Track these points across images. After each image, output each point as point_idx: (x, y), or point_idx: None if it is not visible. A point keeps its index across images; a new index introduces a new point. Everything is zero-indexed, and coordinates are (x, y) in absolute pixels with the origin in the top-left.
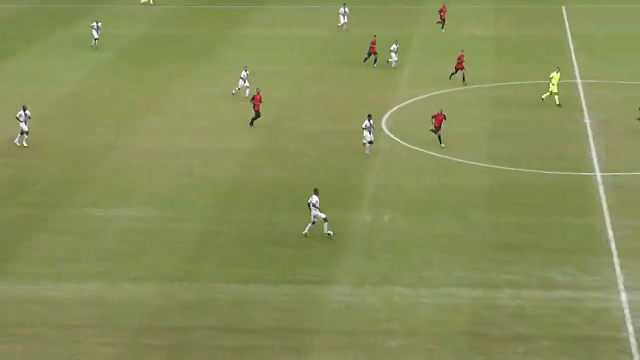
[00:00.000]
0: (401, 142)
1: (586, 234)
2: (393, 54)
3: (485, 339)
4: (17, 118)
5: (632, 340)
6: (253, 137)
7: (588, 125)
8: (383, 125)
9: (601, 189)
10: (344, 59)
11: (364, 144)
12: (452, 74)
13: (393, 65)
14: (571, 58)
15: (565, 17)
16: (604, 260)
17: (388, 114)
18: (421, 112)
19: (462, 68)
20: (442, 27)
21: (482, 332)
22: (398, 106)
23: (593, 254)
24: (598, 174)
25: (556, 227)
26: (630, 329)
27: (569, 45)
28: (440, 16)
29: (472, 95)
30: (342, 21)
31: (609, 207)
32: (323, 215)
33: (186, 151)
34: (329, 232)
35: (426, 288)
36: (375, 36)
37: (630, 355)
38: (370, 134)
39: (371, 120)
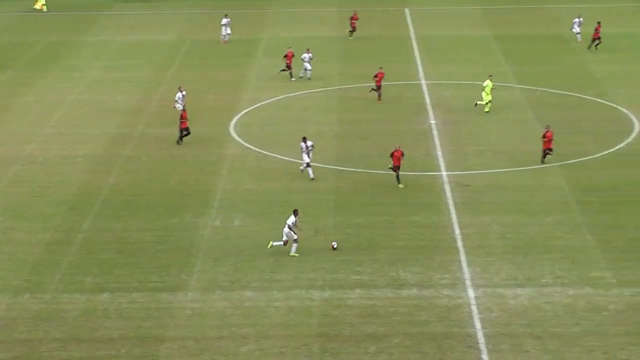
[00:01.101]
0: (249, 145)
1: (434, 232)
2: (307, 64)
3: (337, 339)
4: None
5: (480, 335)
6: (97, 145)
7: (433, 126)
8: (231, 130)
9: (447, 187)
10: (191, 64)
11: (302, 169)
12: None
13: (308, 76)
14: (415, 59)
15: (409, 19)
16: (451, 258)
17: (236, 118)
18: (269, 116)
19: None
20: (351, 34)
21: (333, 333)
22: (246, 110)
23: (441, 252)
24: (444, 173)
25: (404, 226)
26: (478, 324)
27: (413, 47)
28: (351, 24)
29: (320, 97)
30: (224, 32)
31: (455, 206)
32: (295, 237)
33: (30, 160)
34: (295, 254)
35: (277, 291)
36: (290, 48)
37: (479, 350)
38: (308, 156)
39: (307, 142)
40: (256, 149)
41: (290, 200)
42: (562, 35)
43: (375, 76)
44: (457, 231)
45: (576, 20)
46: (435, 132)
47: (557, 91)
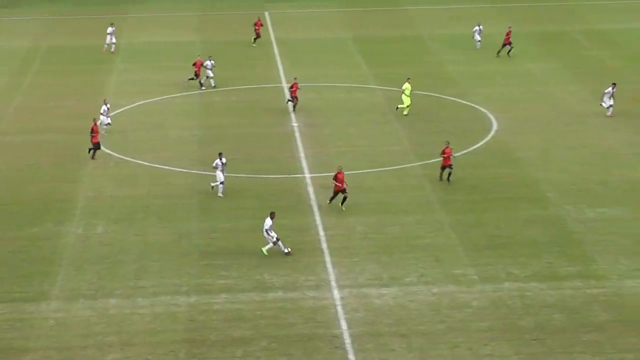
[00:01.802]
0: (110, 151)
1: (299, 234)
2: (209, 72)
3: (204, 344)
4: None
5: (346, 336)
6: None
7: (295, 128)
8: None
9: (311, 189)
10: (49, 70)
11: (213, 187)
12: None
13: (213, 85)
14: (276, 63)
15: (269, 22)
16: (317, 260)
17: (93, 124)
18: (129, 122)
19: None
20: (254, 41)
21: (199, 339)
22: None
23: (306, 254)
24: (307, 175)
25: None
26: (344, 325)
27: (273, 50)
28: (255, 30)
29: (181, 102)
30: (108, 41)
31: (319, 207)
32: (272, 240)
33: None
34: (266, 252)
35: (142, 298)
36: (199, 56)
37: (345, 350)
38: (223, 173)
39: (223, 159)
40: (117, 155)
41: (152, 206)
42: (420, 37)
43: (291, 87)
44: (322, 233)
45: (476, 28)
46: (297, 135)
47: (416, 92)
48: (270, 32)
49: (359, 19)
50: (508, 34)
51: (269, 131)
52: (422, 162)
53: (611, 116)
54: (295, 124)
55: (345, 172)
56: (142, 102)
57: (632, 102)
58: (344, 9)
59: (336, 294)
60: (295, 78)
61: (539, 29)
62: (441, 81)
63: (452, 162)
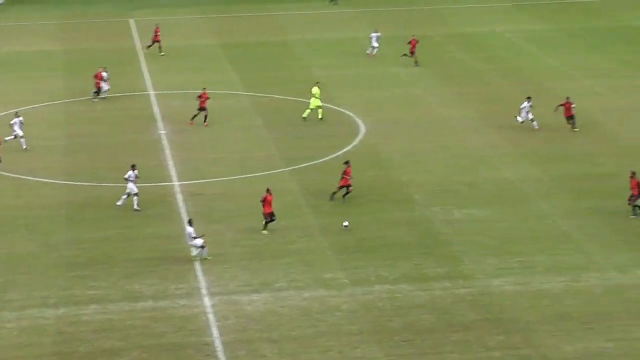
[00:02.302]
0: None
1: (169, 243)
2: (104, 85)
3: (73, 357)
4: None
5: (218, 343)
6: None
7: (163, 136)
8: None
9: (180, 198)
10: None
11: (126, 197)
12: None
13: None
14: (142, 70)
15: (134, 30)
16: (187, 268)
17: None
18: None
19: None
20: (160, 51)
21: (69, 351)
22: None
23: (177, 263)
24: (176, 183)
25: (139, 239)
26: (216, 333)
27: (139, 57)
28: (155, 37)
29: (45, 112)
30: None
31: (189, 216)
32: (200, 243)
33: None
34: (209, 257)
35: (9, 312)
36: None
37: (217, 358)
38: (135, 185)
39: (136, 171)
40: None
41: (19, 218)
42: (286, 42)
43: (200, 97)
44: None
45: (374, 35)
46: (165, 143)
47: (284, 97)
48: (136, 39)
49: (226, 25)
50: (412, 42)
51: (136, 139)
52: (291, 168)
53: (538, 129)
54: (163, 132)
55: (214, 179)
56: (3, 113)
57: (494, 104)
58: (211, 15)
59: (207, 301)
60: (204, 88)
61: (403, 33)
62: (308, 86)
63: (351, 183)
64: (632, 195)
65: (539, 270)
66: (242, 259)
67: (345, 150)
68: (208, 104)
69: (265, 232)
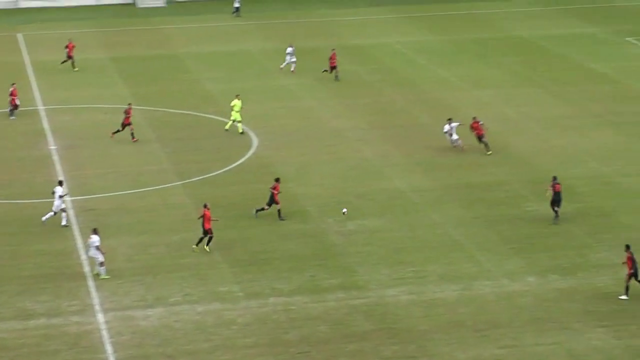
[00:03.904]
0: None
1: (60, 259)
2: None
3: None
4: None
5: (112, 359)
6: None
7: (53, 151)
8: None
9: (71, 213)
10: None
11: (53, 213)
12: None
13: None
14: (31, 85)
15: (22, 44)
16: (79, 284)
17: None
18: None
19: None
20: (73, 66)
21: None
22: None
23: (69, 279)
24: (67, 198)
25: (30, 255)
26: (110, 349)
27: (27, 72)
28: (68, 53)
29: None
30: None
31: (80, 231)
32: (100, 259)
33: None
34: (106, 276)
35: None
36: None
37: None
38: (62, 202)
39: (63, 186)
40: None
41: None
42: (176, 55)
43: (126, 112)
44: (84, 256)
45: (289, 49)
46: (55, 158)
47: (175, 110)
48: (24, 54)
49: (116, 38)
50: (332, 57)
51: (24, 155)
52: (183, 181)
53: (464, 149)
54: (52, 147)
55: (105, 194)
56: None
57: (385, 115)
58: (100, 29)
59: (100, 317)
60: (129, 104)
61: (295, 46)
62: (199, 99)
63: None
64: None
65: (432, 279)
66: (135, 273)
67: (237, 163)
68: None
69: (195, 247)
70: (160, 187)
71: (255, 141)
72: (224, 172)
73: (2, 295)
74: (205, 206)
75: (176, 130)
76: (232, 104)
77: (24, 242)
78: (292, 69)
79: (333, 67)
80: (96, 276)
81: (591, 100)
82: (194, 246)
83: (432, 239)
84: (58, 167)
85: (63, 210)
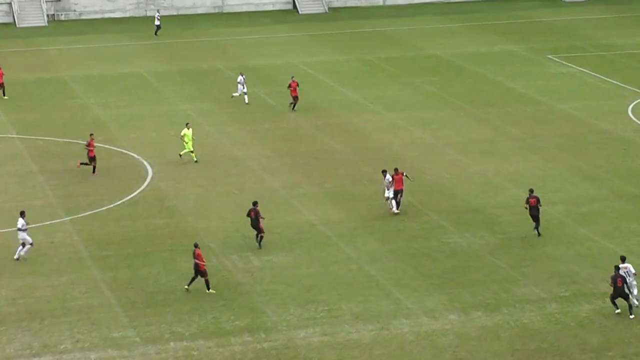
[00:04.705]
0: None
1: None
2: None
3: None
4: None
5: None
6: None
7: None
8: None
9: None
10: None
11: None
12: None
13: None
14: None
15: None
16: None
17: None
18: None
19: None
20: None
21: None
22: None
23: None
24: None
25: None
26: None
27: None
28: None
29: None
30: None
31: None
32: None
33: None
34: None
35: None
36: None
37: None
38: (26, 234)
39: (25, 218)
40: None
41: None
42: (62, 78)
43: (88, 144)
44: None
45: (240, 78)
46: None
47: (62, 139)
48: None
49: None
50: (292, 85)
51: None
52: (71, 217)
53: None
54: None
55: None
56: None
57: (290, 141)
58: None
59: None
60: (91, 134)
61: (189, 67)
62: (87, 126)
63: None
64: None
65: (346, 319)
66: (19, 318)
67: (131, 196)
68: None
69: (187, 287)
70: (45, 223)
71: (150, 171)
72: (115, 206)
73: None
74: (195, 245)
75: (62, 160)
76: (182, 133)
77: None
78: (246, 101)
79: (295, 97)
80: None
81: (511, 122)
82: (186, 286)
83: (345, 275)
84: None
85: (30, 244)
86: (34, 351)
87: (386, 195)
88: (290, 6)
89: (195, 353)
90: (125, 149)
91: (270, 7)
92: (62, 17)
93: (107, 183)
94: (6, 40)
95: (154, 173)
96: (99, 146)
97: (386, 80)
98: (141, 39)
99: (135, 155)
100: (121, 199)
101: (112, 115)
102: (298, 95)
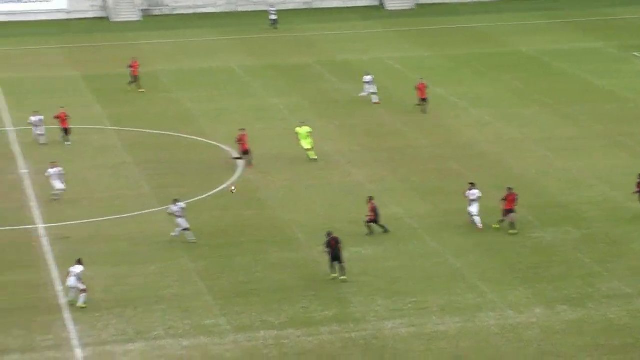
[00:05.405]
0: None
1: (32, 291)
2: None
3: None
4: None
5: None
6: None
7: (25, 176)
8: None
9: (45, 241)
10: None
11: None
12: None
13: None
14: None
15: None
16: (54, 318)
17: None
18: None
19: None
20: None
21: None
22: None
23: (43, 312)
24: (40, 226)
25: (0, 287)
26: None
27: None
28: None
29: None
30: None
31: (56, 260)
32: (82, 286)
33: None
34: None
35: None
36: None
37: None
38: (183, 219)
39: (179, 203)
40: None
41: None
42: (155, 72)
43: (239, 139)
44: (59, 288)
45: (368, 77)
46: (28, 183)
47: (154, 131)
48: None
49: (85, 55)
50: (421, 87)
51: None
52: (164, 207)
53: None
54: (24, 171)
55: (81, 221)
56: None
57: (375, 137)
58: (67, 45)
59: (79, 353)
60: (242, 129)
61: (279, 62)
62: (178, 119)
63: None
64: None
65: (433, 311)
66: (114, 306)
67: (222, 187)
68: None
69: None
70: (139, 213)
71: (240, 164)
72: (207, 196)
73: None
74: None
75: (154, 152)
76: (298, 131)
77: None
78: (374, 100)
79: (423, 99)
80: (72, 303)
81: (597, 119)
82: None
83: (431, 268)
84: (30, 192)
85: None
86: (127, 337)
87: (469, 210)
88: (376, 2)
89: (285, 341)
90: (215, 142)
91: (357, 3)
92: (156, 12)
93: (199, 175)
94: (100, 35)
95: (244, 166)
96: (190, 138)
97: (472, 76)
98: (231, 34)
99: (226, 148)
100: (212, 190)
101: (202, 109)
102: (427, 97)
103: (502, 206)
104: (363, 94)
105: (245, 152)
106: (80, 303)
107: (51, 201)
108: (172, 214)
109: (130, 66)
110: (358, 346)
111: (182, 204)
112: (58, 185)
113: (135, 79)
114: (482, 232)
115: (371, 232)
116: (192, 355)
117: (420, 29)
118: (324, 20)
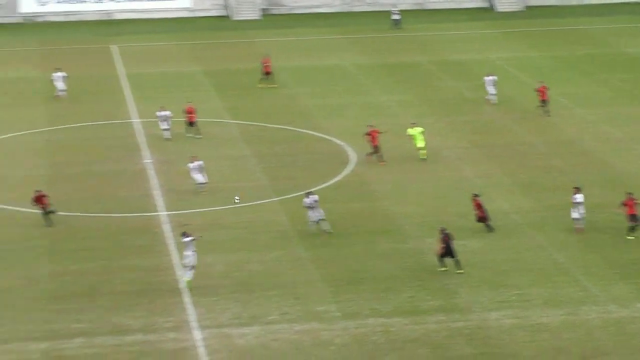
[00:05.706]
0: None
1: (154, 275)
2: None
3: None
4: None
5: None
6: None
7: (149, 165)
8: None
9: (167, 227)
10: None
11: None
12: None
13: None
14: (126, 98)
15: (116, 57)
16: (175, 300)
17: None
18: None
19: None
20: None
21: None
22: None
23: (164, 295)
24: (162, 213)
25: (123, 270)
26: None
27: (122, 85)
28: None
29: (25, 140)
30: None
31: (176, 246)
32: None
33: None
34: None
35: None
36: None
37: None
38: (316, 211)
39: (312, 197)
40: None
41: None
42: (273, 68)
43: (369, 134)
44: (179, 272)
45: (489, 78)
46: (151, 172)
47: (271, 125)
48: (118, 66)
49: (207, 52)
50: (541, 90)
51: (119, 168)
52: (280, 197)
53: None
54: (148, 161)
55: (201, 209)
56: None
57: (484, 134)
58: (192, 42)
59: (197, 335)
60: (370, 125)
61: (392, 61)
62: (294, 114)
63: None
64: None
65: (537, 303)
66: (232, 290)
67: (334, 180)
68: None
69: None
70: (256, 202)
71: (353, 157)
72: (320, 188)
73: (97, 310)
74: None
75: (271, 145)
76: (411, 133)
77: (118, 257)
78: (492, 101)
79: (544, 101)
80: (188, 284)
81: None
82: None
83: (535, 261)
84: (154, 182)
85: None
86: (243, 321)
87: (572, 215)
88: (486, 4)
89: (392, 329)
90: (329, 136)
91: (468, 5)
92: (274, 12)
93: (313, 167)
94: (221, 32)
95: (355, 159)
96: (305, 132)
97: (578, 76)
98: (346, 33)
99: (339, 142)
100: (325, 183)
101: (317, 104)
102: (547, 99)
103: (623, 212)
104: (488, 97)
105: (375, 148)
106: (187, 278)
107: (174, 189)
108: (308, 207)
109: (263, 63)
110: (463, 335)
111: (315, 197)
112: (200, 178)
113: (267, 75)
114: (582, 232)
115: (491, 229)
116: (303, 340)
117: (529, 30)
118: (435, 21)
